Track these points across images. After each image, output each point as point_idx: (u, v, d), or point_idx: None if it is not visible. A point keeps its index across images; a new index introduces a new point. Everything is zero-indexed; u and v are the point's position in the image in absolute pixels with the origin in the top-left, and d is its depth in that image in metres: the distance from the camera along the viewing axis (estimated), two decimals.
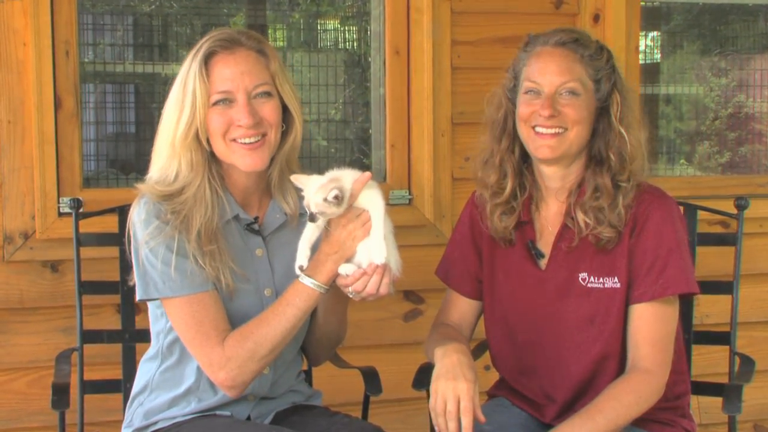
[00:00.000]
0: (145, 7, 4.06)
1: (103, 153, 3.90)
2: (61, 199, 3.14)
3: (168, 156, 2.24)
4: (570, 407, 2.32)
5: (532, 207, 2.41)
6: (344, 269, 2.14)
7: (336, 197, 2.08)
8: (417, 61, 3.44)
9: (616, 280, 2.29)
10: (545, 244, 2.38)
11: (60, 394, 2.47)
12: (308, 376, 2.72)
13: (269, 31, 4.16)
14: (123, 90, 4.06)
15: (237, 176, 2.28)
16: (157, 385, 2.31)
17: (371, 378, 2.59)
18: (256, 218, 2.32)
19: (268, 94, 2.24)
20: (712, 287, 2.78)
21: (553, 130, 2.28)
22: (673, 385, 2.34)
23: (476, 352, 2.63)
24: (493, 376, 2.55)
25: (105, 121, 3.97)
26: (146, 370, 2.35)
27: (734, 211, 2.81)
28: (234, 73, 2.21)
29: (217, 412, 2.28)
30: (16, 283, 3.14)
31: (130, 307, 2.71)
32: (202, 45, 2.23)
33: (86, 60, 3.79)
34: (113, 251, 2.66)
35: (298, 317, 2.17)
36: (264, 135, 2.23)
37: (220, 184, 2.27)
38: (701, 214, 2.84)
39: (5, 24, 3.09)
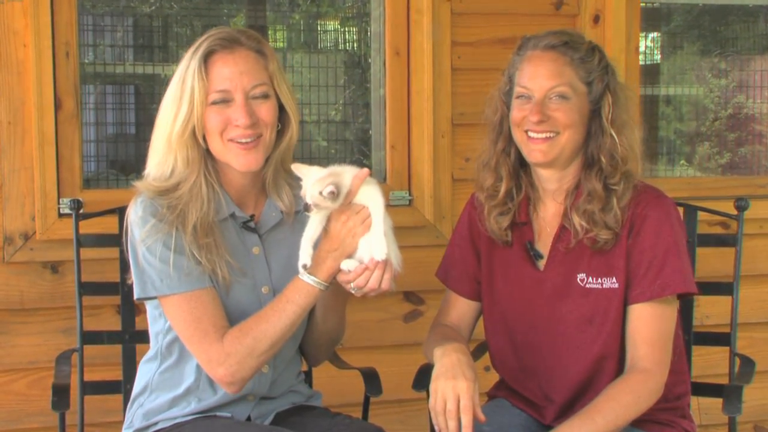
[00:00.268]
0: (146, 8, 4.06)
1: (103, 154, 3.90)
2: (61, 200, 3.14)
3: (164, 152, 2.25)
4: (569, 408, 2.32)
5: (530, 208, 2.41)
6: (346, 265, 2.14)
7: (331, 193, 2.08)
8: (417, 62, 3.44)
9: (614, 280, 2.29)
10: (543, 245, 2.38)
11: (60, 395, 2.47)
12: (308, 377, 2.72)
13: (269, 32, 4.16)
14: (123, 91, 4.06)
15: (232, 175, 2.29)
16: (156, 386, 2.31)
17: (371, 379, 2.59)
18: (252, 216, 2.32)
19: (265, 94, 2.24)
20: (712, 288, 2.78)
21: (543, 135, 2.28)
22: (673, 385, 2.34)
23: (476, 353, 2.63)
24: (493, 377, 2.55)
25: (105, 122, 3.97)
26: (146, 371, 2.35)
27: (734, 212, 2.81)
28: (233, 72, 2.21)
29: (218, 413, 2.28)
30: (16, 284, 3.14)
31: (130, 308, 2.71)
32: (202, 43, 2.23)
33: (86, 61, 3.78)
34: (113, 252, 2.66)
35: (297, 314, 2.17)
36: (260, 136, 2.24)
37: (216, 180, 2.28)
38: (701, 215, 2.84)
39: (5, 25, 3.09)
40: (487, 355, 2.55)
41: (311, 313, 2.33)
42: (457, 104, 3.45)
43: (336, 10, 4.25)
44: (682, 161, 4.50)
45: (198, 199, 2.23)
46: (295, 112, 2.30)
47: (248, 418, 2.32)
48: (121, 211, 2.65)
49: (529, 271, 2.38)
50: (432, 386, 2.16)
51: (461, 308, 2.51)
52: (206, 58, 2.22)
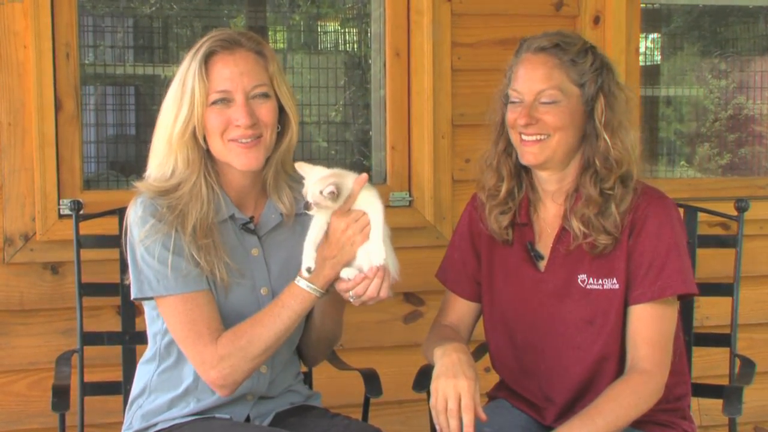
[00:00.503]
0: (146, 9, 4.06)
1: (104, 155, 3.90)
2: (61, 201, 3.14)
3: (165, 153, 2.25)
4: (569, 409, 2.32)
5: (531, 209, 2.41)
6: (346, 273, 2.14)
7: (332, 193, 2.09)
8: (417, 63, 3.44)
9: (614, 281, 2.29)
10: (544, 246, 2.38)
11: (60, 396, 2.47)
12: (308, 378, 2.72)
13: (269, 33, 4.16)
14: (123, 92, 4.06)
15: (232, 175, 2.29)
16: (155, 387, 2.31)
17: (371, 380, 2.59)
18: (252, 218, 2.32)
19: (265, 95, 2.25)
20: (712, 289, 2.78)
21: (534, 137, 2.29)
22: (674, 386, 2.34)
23: (476, 354, 2.63)
24: (493, 377, 2.55)
25: (105, 123, 3.96)
26: (144, 372, 2.35)
27: (734, 213, 2.81)
28: (233, 73, 2.22)
29: (216, 414, 2.28)
30: (16, 285, 3.14)
31: (131, 309, 2.71)
32: (203, 44, 2.24)
33: (87, 62, 3.78)
34: (113, 253, 2.66)
35: (292, 319, 2.18)
36: (260, 136, 2.24)
37: (216, 182, 2.28)
38: (701, 216, 2.84)
39: (6, 26, 3.09)
40: (487, 356, 2.55)
41: (309, 315, 2.33)
42: (458, 105, 3.45)
43: (336, 11, 4.24)
44: (682, 162, 4.50)
45: (198, 200, 2.23)
46: (295, 114, 2.31)
47: (247, 418, 2.32)
48: (121, 212, 2.65)
49: (529, 272, 2.38)
50: (433, 385, 2.16)
51: (461, 309, 2.51)
52: (207, 59, 2.22)
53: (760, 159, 4.39)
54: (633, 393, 2.22)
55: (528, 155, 2.31)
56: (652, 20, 4.37)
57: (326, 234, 2.17)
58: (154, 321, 2.31)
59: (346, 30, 4.26)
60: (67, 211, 3.07)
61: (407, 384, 2.49)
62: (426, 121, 3.43)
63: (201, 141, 2.24)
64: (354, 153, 3.99)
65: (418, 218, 3.45)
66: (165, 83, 2.39)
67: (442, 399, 2.12)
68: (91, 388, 2.74)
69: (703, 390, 2.67)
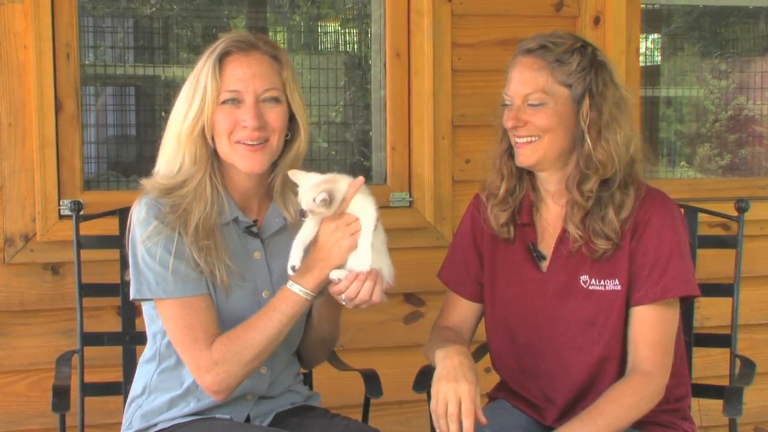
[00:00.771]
0: (146, 10, 4.06)
1: (104, 155, 3.89)
2: (61, 201, 3.14)
3: (174, 149, 2.26)
4: (570, 409, 2.32)
5: (533, 210, 2.41)
6: (335, 274, 2.14)
7: (324, 200, 2.08)
8: (417, 64, 3.44)
9: (617, 282, 2.29)
10: (546, 246, 2.38)
11: (60, 397, 2.47)
12: (309, 379, 2.72)
13: (269, 34, 4.16)
14: (124, 92, 4.06)
15: (237, 177, 2.29)
16: (155, 387, 2.31)
17: (372, 380, 2.59)
18: (255, 221, 2.32)
19: (276, 99, 2.25)
20: (712, 290, 2.78)
21: (525, 139, 2.30)
22: (674, 387, 2.34)
23: (477, 354, 2.63)
24: (494, 378, 2.54)
25: (106, 123, 3.96)
26: (144, 372, 2.35)
27: (735, 213, 2.81)
28: (246, 74, 2.22)
29: (217, 414, 2.28)
30: (16, 286, 3.14)
31: (131, 310, 2.71)
32: (219, 44, 2.25)
33: (87, 62, 3.78)
34: (114, 254, 2.66)
35: (284, 323, 2.17)
36: (266, 140, 2.24)
37: (221, 183, 2.28)
38: (702, 217, 2.84)
39: (6, 27, 3.09)
40: (487, 356, 2.55)
41: (308, 318, 2.34)
42: (458, 105, 3.45)
43: (336, 12, 4.24)
44: (682, 163, 4.50)
45: (201, 200, 2.23)
46: (305, 122, 2.31)
47: (247, 418, 2.32)
48: (121, 213, 2.66)
49: (531, 273, 2.38)
50: (433, 389, 2.15)
51: (462, 310, 2.51)
52: (221, 59, 2.23)
53: (760, 159, 4.40)
54: (634, 394, 2.22)
55: (521, 157, 2.32)
56: (652, 21, 4.37)
57: (316, 236, 2.17)
58: (153, 320, 2.31)
59: (346, 30, 4.26)
60: (67, 212, 3.07)
61: (407, 384, 2.49)
62: (426, 122, 3.43)
63: (209, 140, 2.25)
64: (354, 153, 3.99)
65: (419, 219, 3.44)
66: (165, 84, 2.39)
67: (443, 402, 2.12)
68: (91, 389, 2.74)
69: (704, 390, 2.67)
